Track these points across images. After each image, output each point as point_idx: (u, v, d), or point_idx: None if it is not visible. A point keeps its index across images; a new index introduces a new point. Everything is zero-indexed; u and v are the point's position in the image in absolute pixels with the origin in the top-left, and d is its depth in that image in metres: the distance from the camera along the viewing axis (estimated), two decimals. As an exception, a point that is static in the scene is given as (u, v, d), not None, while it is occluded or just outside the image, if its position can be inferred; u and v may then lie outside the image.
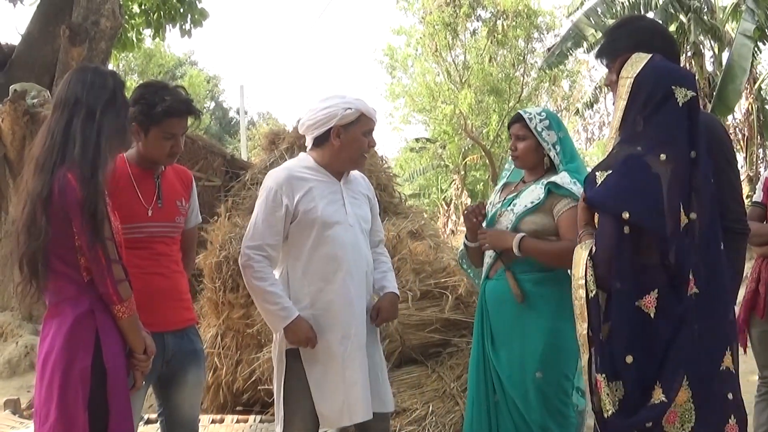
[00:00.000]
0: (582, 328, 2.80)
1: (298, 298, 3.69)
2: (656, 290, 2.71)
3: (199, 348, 3.72)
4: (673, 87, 2.79)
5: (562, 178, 3.71)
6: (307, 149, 3.90)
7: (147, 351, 3.12)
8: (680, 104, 2.79)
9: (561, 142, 3.83)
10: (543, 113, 3.88)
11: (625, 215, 2.70)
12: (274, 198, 3.68)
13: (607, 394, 2.72)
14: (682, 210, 2.74)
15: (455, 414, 4.93)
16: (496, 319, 3.80)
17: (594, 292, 2.76)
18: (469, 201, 28.35)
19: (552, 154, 3.81)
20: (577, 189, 3.62)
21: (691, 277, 2.75)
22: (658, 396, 2.70)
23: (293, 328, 3.60)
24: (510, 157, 4.03)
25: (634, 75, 2.86)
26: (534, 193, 3.77)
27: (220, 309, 5.95)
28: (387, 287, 3.94)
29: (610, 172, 2.79)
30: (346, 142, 3.74)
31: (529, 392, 3.64)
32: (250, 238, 3.70)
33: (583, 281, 2.78)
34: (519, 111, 3.97)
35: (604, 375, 2.73)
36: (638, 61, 2.90)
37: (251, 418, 5.50)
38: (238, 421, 5.46)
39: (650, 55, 2.90)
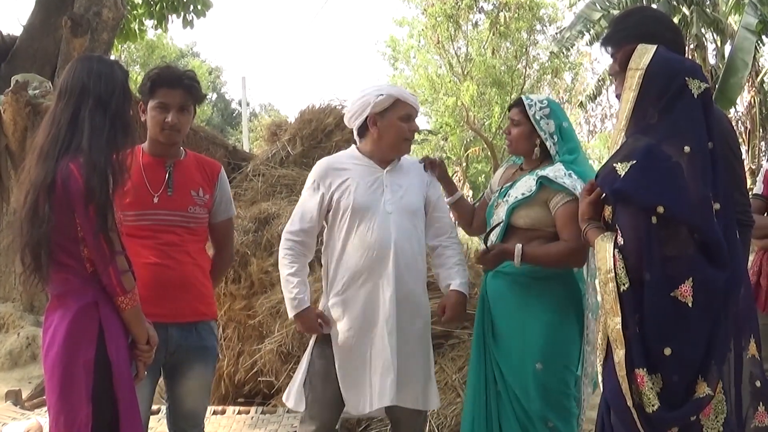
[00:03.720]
0: (615, 323, 2.74)
1: (333, 285, 3.81)
2: (691, 279, 2.68)
3: (210, 345, 3.67)
4: (686, 79, 2.77)
5: (556, 171, 3.65)
6: (356, 142, 3.98)
7: (150, 341, 3.11)
8: (695, 96, 2.77)
9: (562, 131, 3.77)
10: (545, 101, 3.82)
11: (660, 209, 2.67)
12: (312, 187, 3.84)
13: (650, 388, 2.69)
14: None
15: (457, 406, 4.93)
16: (498, 310, 3.78)
17: (626, 285, 2.72)
18: (471, 193, 28.38)
19: (549, 143, 3.75)
20: (571, 182, 3.59)
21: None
22: (703, 390, 2.68)
23: (301, 318, 3.76)
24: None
25: (644, 66, 2.83)
26: (526, 184, 3.73)
27: (222, 300, 5.96)
28: (452, 285, 3.91)
29: (634, 162, 2.76)
30: (383, 129, 3.81)
31: (530, 384, 3.62)
32: (290, 224, 3.87)
33: (612, 274, 2.74)
34: (521, 96, 3.94)
35: (644, 369, 2.70)
36: (645, 52, 2.86)
37: (253, 409, 5.51)
38: (239, 413, 5.47)
39: (655, 47, 2.88)
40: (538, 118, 3.75)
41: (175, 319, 3.49)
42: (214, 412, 5.46)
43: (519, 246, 3.62)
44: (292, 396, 3.83)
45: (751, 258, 4.36)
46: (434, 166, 4.03)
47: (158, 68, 3.61)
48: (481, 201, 4.19)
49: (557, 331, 3.65)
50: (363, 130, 3.86)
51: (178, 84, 3.54)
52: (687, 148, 2.70)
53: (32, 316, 8.99)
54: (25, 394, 6.14)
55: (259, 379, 5.65)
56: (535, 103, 3.79)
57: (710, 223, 2.69)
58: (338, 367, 3.73)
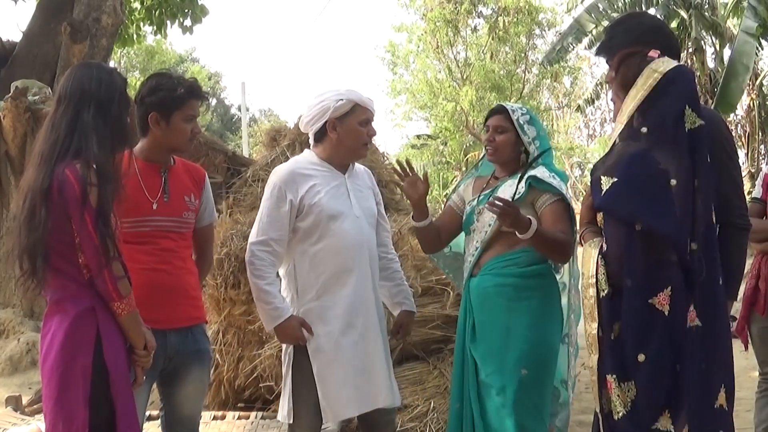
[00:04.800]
0: (592, 327, 2.76)
1: (305, 291, 3.73)
2: (669, 287, 2.69)
3: (204, 348, 3.69)
4: (686, 107, 2.77)
5: (542, 173, 3.72)
6: (310, 146, 3.93)
7: (147, 347, 3.12)
8: (687, 129, 2.77)
9: (539, 138, 3.85)
10: (524, 108, 3.91)
11: (638, 226, 2.68)
12: (279, 194, 3.72)
13: (618, 396, 2.69)
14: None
15: (456, 410, 4.93)
16: (480, 314, 3.79)
17: (606, 291, 2.74)
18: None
19: (531, 148, 3.82)
20: (557, 183, 3.68)
21: (692, 309, 2.73)
22: (666, 425, 2.67)
23: (282, 328, 3.68)
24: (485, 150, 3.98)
25: (665, 71, 2.84)
26: (512, 187, 3.74)
27: (222, 306, 5.96)
28: (405, 304, 4.09)
29: (616, 180, 2.75)
30: (343, 134, 3.78)
31: (508, 387, 3.61)
32: (255, 235, 3.74)
33: (594, 280, 2.76)
34: (500, 103, 3.96)
35: (614, 376, 2.70)
36: (668, 62, 2.88)
37: (252, 414, 5.50)
38: (239, 418, 5.47)
39: (678, 63, 2.89)
40: (522, 123, 3.81)
41: (173, 325, 3.50)
42: (214, 417, 5.46)
43: (535, 221, 3.60)
44: (283, 408, 3.80)
45: (749, 262, 4.37)
46: (414, 187, 3.91)
47: (184, 78, 3.64)
48: (447, 211, 4.17)
49: (540, 335, 3.66)
50: (321, 134, 3.83)
51: (201, 95, 3.62)
52: (674, 182, 2.71)
53: (32, 322, 9.00)
54: (25, 400, 6.14)
55: (259, 384, 5.65)
56: (517, 110, 3.86)
57: (684, 231, 2.69)
58: (317, 374, 3.67)
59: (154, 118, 3.51)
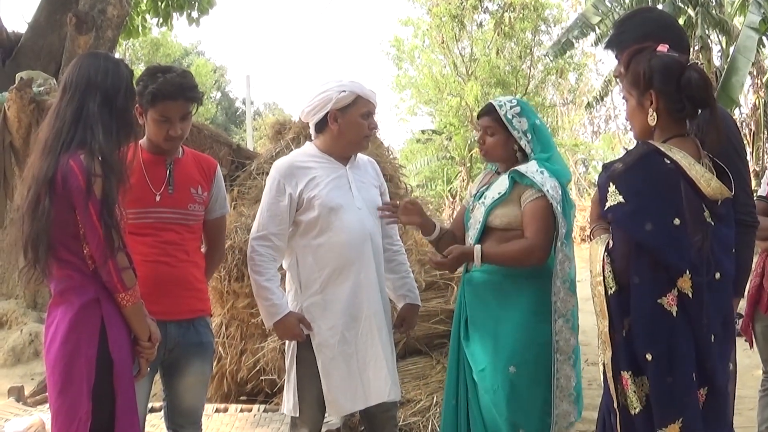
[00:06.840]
0: (603, 325, 2.76)
1: (309, 285, 3.73)
2: (676, 288, 2.68)
3: (207, 340, 3.68)
4: None
5: (528, 167, 3.65)
6: (312, 137, 3.90)
7: (152, 338, 3.12)
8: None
9: (534, 129, 3.76)
10: (514, 100, 3.82)
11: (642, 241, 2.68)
12: (278, 188, 3.72)
13: (634, 392, 2.69)
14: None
15: (459, 406, 4.92)
16: (473, 311, 3.77)
17: (613, 288, 2.73)
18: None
19: (523, 142, 3.73)
20: (541, 178, 3.59)
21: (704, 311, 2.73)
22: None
23: (280, 325, 3.69)
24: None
25: None
26: (502, 184, 3.73)
27: (225, 298, 5.96)
28: (409, 297, 4.04)
29: (621, 200, 2.74)
30: (344, 126, 3.76)
31: (500, 387, 3.59)
32: (255, 230, 3.74)
33: (601, 278, 2.75)
34: (490, 101, 3.90)
35: (629, 372, 2.70)
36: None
37: (255, 407, 5.51)
38: (242, 411, 5.47)
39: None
40: (510, 117, 3.72)
41: (174, 317, 3.50)
42: (217, 410, 5.46)
43: (478, 246, 3.63)
44: (288, 402, 3.80)
45: (754, 260, 4.36)
46: (409, 213, 3.89)
47: (158, 77, 3.47)
48: (460, 210, 4.16)
49: (530, 333, 3.62)
50: (322, 125, 3.81)
51: (179, 96, 3.48)
52: (677, 221, 2.69)
53: (35, 313, 9.01)
54: (27, 391, 6.14)
55: (261, 377, 5.66)
56: (505, 103, 3.78)
57: (687, 250, 2.68)
58: (321, 368, 3.68)
59: (138, 111, 3.48)
